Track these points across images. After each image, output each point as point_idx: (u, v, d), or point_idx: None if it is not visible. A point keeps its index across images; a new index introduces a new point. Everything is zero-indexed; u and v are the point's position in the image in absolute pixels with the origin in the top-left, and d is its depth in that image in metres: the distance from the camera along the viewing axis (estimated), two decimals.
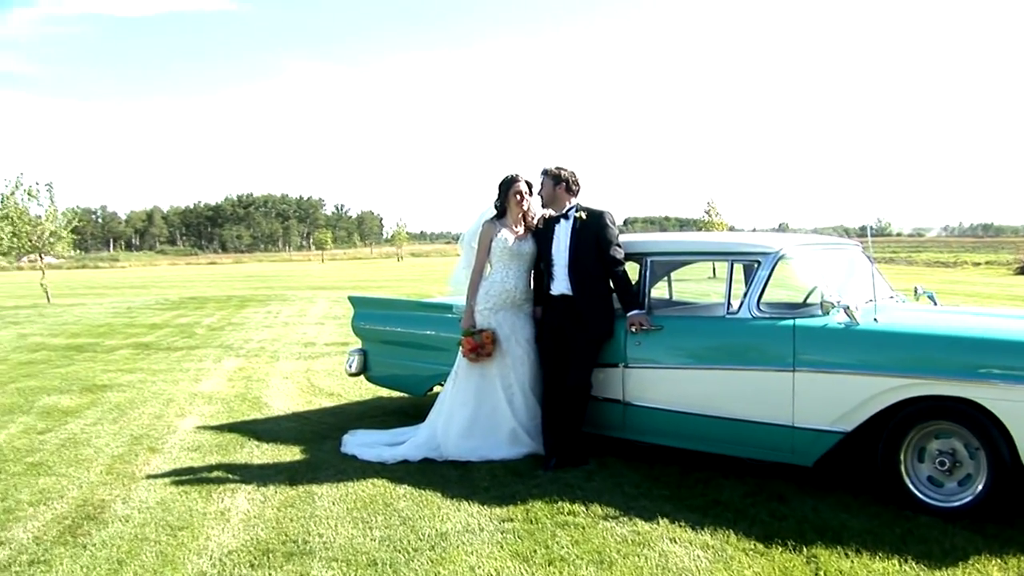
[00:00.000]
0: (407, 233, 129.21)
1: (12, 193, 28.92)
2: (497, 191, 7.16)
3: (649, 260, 6.88)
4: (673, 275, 8.17)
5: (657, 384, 6.54)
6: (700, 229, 57.10)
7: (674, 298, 8.21)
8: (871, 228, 8.47)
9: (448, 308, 7.90)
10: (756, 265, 6.30)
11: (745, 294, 6.27)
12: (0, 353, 15.08)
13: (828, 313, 5.85)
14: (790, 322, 5.98)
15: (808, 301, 6.57)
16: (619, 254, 6.76)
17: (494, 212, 7.17)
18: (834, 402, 5.69)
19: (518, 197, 7.03)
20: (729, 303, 6.42)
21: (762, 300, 6.22)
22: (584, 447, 6.81)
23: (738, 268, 6.67)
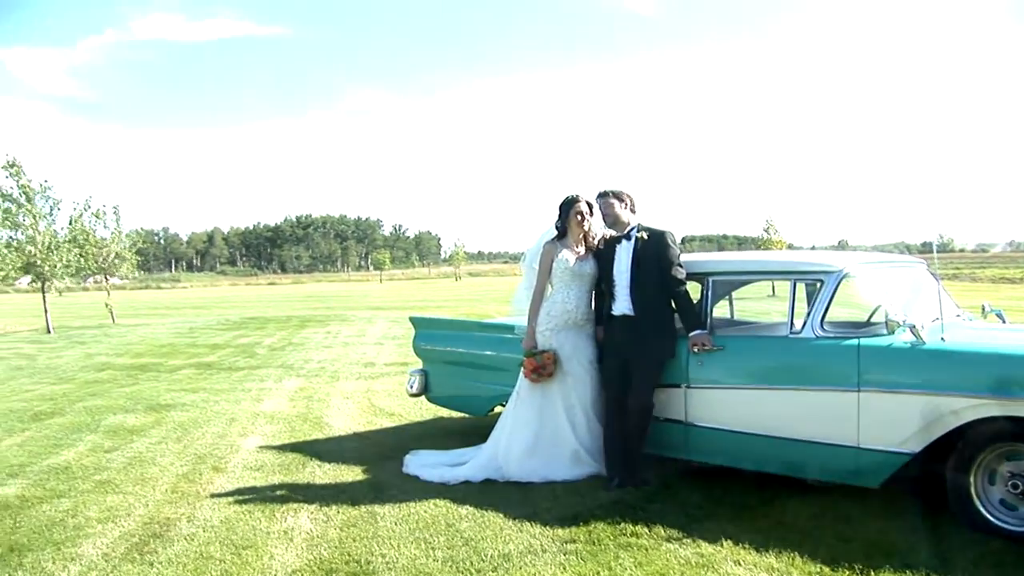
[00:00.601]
0: (465, 253, 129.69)
1: (80, 216, 29.48)
2: (558, 211, 7.16)
3: (711, 280, 6.84)
4: (734, 294, 8.12)
5: (719, 404, 6.48)
6: (759, 247, 56.77)
7: (736, 317, 8.15)
8: (934, 244, 8.34)
9: (509, 328, 7.90)
10: (819, 284, 6.23)
11: (808, 313, 6.20)
12: (68, 372, 15.38)
13: (894, 332, 5.77)
14: (855, 342, 5.89)
15: (873, 320, 6.49)
16: (681, 274, 6.73)
17: (555, 233, 7.16)
18: (900, 423, 5.58)
19: (579, 217, 7.02)
20: (792, 322, 6.36)
21: (826, 319, 6.14)
22: (646, 468, 6.77)
23: (800, 287, 6.61)
